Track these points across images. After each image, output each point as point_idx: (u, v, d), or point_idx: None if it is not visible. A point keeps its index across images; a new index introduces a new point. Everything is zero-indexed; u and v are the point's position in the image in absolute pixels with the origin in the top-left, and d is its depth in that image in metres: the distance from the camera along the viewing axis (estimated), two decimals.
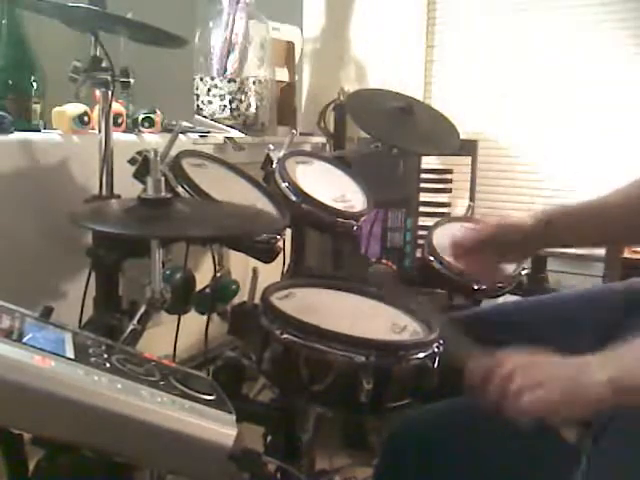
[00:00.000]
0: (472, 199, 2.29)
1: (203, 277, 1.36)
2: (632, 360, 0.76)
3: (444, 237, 1.58)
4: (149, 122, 1.64)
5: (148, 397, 0.67)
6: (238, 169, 1.45)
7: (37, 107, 1.39)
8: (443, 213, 2.27)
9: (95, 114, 1.43)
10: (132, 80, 1.34)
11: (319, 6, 2.71)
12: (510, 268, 1.54)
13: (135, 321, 1.04)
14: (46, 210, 1.33)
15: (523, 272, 1.55)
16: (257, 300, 1.11)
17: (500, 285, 1.49)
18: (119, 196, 1.29)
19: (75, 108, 1.43)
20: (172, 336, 1.40)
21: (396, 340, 1.01)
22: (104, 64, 1.22)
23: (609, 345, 0.90)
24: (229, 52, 1.99)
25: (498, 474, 0.87)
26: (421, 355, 0.96)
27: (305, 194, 1.39)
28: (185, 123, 1.72)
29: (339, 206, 1.44)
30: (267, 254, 1.26)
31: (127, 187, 1.23)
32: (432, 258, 1.51)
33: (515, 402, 0.75)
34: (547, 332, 1.06)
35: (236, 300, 1.39)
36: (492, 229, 1.08)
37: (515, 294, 1.53)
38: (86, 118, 1.44)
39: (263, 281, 1.16)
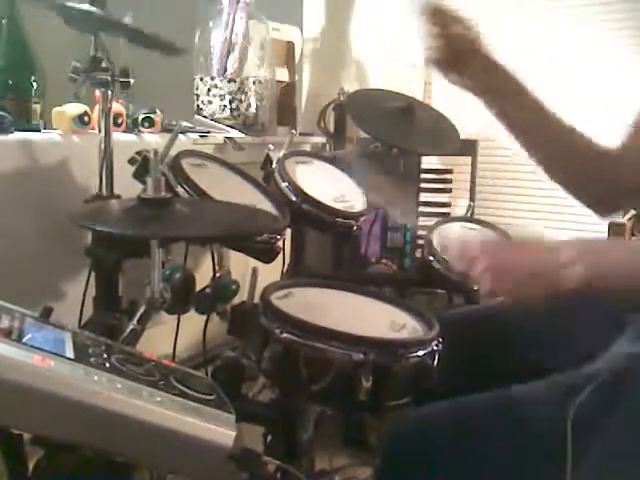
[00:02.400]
0: (472, 199, 2.29)
1: (203, 277, 1.36)
2: (607, 264, 0.82)
3: (444, 237, 1.59)
4: (149, 122, 1.64)
5: (148, 397, 0.67)
6: (238, 169, 1.45)
7: (37, 107, 1.39)
8: (443, 213, 2.27)
9: (95, 114, 1.43)
10: (132, 80, 1.34)
11: (319, 6, 2.71)
12: None
13: (135, 321, 1.04)
14: (46, 210, 1.33)
15: None
16: (257, 300, 1.11)
17: None
18: (119, 196, 1.29)
19: (75, 108, 1.43)
20: (172, 336, 1.41)
21: (395, 338, 1.01)
22: (104, 64, 1.22)
23: (609, 344, 0.90)
24: (229, 52, 1.99)
25: (499, 474, 0.87)
26: (420, 353, 0.96)
27: (305, 194, 1.39)
28: (185, 123, 1.72)
29: (339, 206, 1.44)
30: (267, 254, 1.27)
31: (127, 187, 1.24)
32: (432, 258, 1.52)
33: (482, 284, 0.82)
34: (545, 329, 1.06)
35: (236, 300, 1.39)
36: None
37: None
38: (86, 118, 1.44)
39: (263, 281, 1.16)
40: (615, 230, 2.00)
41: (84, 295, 1.26)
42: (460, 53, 1.10)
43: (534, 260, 0.84)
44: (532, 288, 0.82)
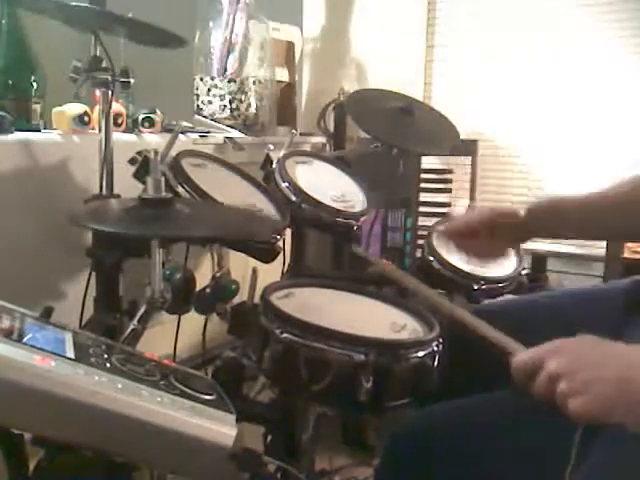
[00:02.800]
0: (472, 199, 2.29)
1: (203, 277, 1.36)
2: None
3: (444, 237, 1.59)
4: (149, 122, 1.64)
5: (148, 397, 0.67)
6: (238, 169, 1.45)
7: (37, 107, 1.39)
8: (443, 213, 2.27)
9: (95, 114, 1.43)
10: (132, 80, 1.34)
11: (319, 6, 2.71)
12: (510, 268, 1.54)
13: (135, 321, 1.04)
14: (46, 210, 1.33)
15: (523, 272, 1.55)
16: (257, 300, 1.11)
17: (501, 285, 1.49)
18: (119, 196, 1.29)
19: (75, 108, 1.43)
20: (172, 336, 1.41)
21: (395, 339, 1.01)
22: (104, 64, 1.22)
23: None
24: (229, 52, 1.99)
25: (499, 475, 0.87)
26: (420, 354, 0.96)
27: (305, 194, 1.39)
28: (185, 123, 1.73)
29: (339, 206, 1.44)
30: (267, 254, 1.26)
31: (127, 187, 1.24)
32: (432, 258, 1.51)
33: (563, 405, 0.70)
34: (546, 331, 1.06)
35: (236, 300, 1.39)
36: (489, 213, 1.09)
37: (515, 294, 1.53)
38: (86, 118, 1.44)
39: (263, 281, 1.16)
40: None
41: (84, 295, 1.26)
42: (501, 230, 1.08)
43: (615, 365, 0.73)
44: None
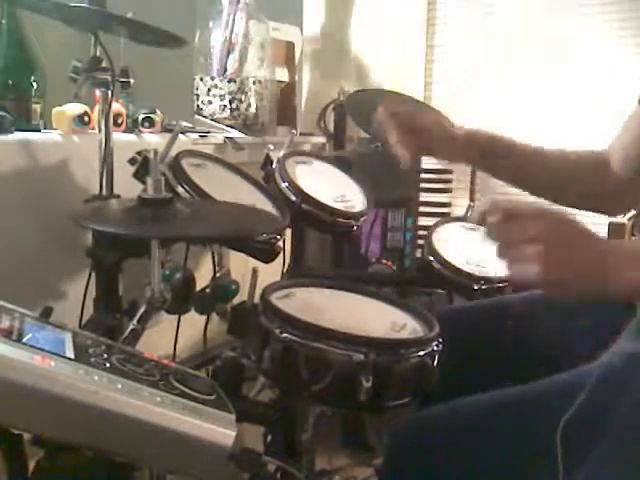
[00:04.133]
0: (472, 199, 2.29)
1: (203, 277, 1.36)
2: None
3: (444, 237, 1.59)
4: (149, 122, 1.64)
5: (148, 397, 0.67)
6: (238, 169, 1.45)
7: (37, 107, 1.39)
8: (443, 213, 2.27)
9: (95, 114, 1.43)
10: (132, 80, 1.34)
11: (319, 6, 2.71)
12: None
13: (135, 321, 1.04)
14: (46, 210, 1.33)
15: None
16: (257, 300, 1.11)
17: (501, 285, 1.49)
18: (119, 196, 1.29)
19: (75, 108, 1.43)
20: (172, 336, 1.41)
21: (395, 338, 1.01)
22: (104, 64, 1.22)
23: (610, 344, 0.90)
24: (229, 52, 1.99)
25: (499, 476, 0.87)
26: (421, 353, 0.96)
27: (305, 194, 1.39)
28: (185, 123, 1.73)
29: (339, 206, 1.44)
30: (267, 254, 1.26)
31: (127, 187, 1.24)
32: (432, 258, 1.51)
33: (529, 263, 0.73)
34: (545, 329, 1.06)
35: (236, 300, 1.39)
36: (430, 122, 1.11)
37: (515, 294, 1.53)
38: (86, 118, 1.44)
39: (263, 281, 1.16)
40: (615, 230, 1.99)
41: (84, 295, 1.26)
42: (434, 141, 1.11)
43: (586, 251, 0.77)
44: (580, 282, 0.75)
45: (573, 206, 1.14)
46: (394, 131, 1.10)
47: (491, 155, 1.14)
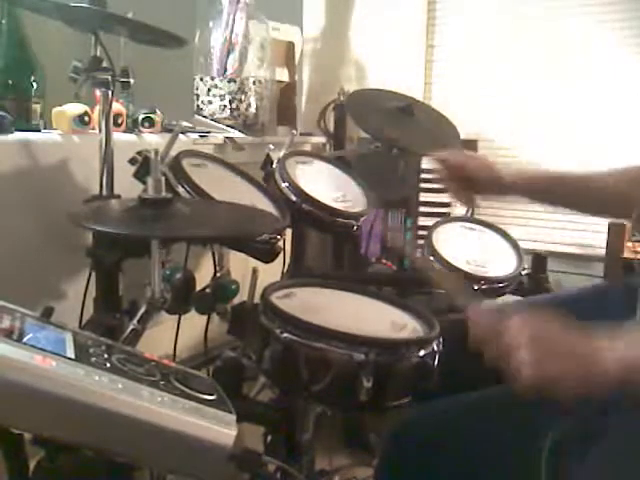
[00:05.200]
0: None
1: (203, 277, 1.36)
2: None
3: (444, 237, 1.59)
4: (149, 122, 1.64)
5: (148, 397, 0.67)
6: (238, 169, 1.45)
7: (37, 107, 1.39)
8: (443, 213, 2.27)
9: (95, 114, 1.43)
10: (132, 80, 1.34)
11: (319, 6, 2.71)
12: (510, 268, 1.54)
13: (135, 321, 1.04)
14: (46, 210, 1.33)
15: (523, 272, 1.55)
16: (257, 300, 1.11)
17: (501, 285, 1.50)
18: (119, 196, 1.29)
19: (75, 108, 1.43)
20: (172, 336, 1.41)
21: (396, 338, 1.01)
22: (104, 64, 1.22)
23: None
24: (229, 52, 1.99)
25: (498, 474, 0.87)
26: (421, 353, 0.96)
27: (305, 194, 1.39)
28: (185, 123, 1.73)
29: (339, 206, 1.44)
30: (267, 254, 1.27)
31: (127, 187, 1.24)
32: (432, 258, 1.51)
33: (517, 372, 0.74)
34: None
35: (236, 300, 1.39)
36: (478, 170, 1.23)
37: (515, 294, 1.53)
38: (86, 118, 1.44)
39: (263, 281, 1.16)
40: (615, 230, 2.00)
41: (84, 295, 1.26)
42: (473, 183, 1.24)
43: (572, 342, 0.77)
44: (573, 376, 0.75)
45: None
46: (450, 183, 1.27)
47: (534, 192, 1.25)
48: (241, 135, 1.93)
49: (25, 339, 0.67)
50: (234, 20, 1.98)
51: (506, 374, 0.76)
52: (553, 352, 0.75)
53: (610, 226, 2.00)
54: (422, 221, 2.25)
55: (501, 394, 0.90)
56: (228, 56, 1.99)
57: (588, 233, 2.31)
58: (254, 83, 2.00)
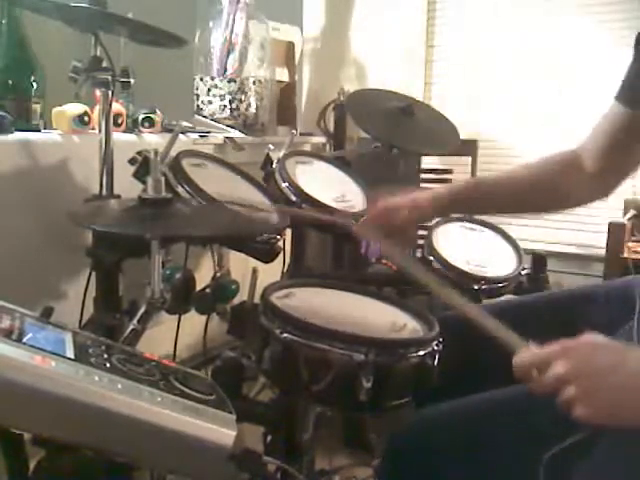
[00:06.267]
0: None
1: (203, 277, 1.36)
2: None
3: (444, 237, 1.59)
4: (149, 122, 1.64)
5: (148, 397, 0.67)
6: (238, 169, 1.45)
7: (37, 107, 1.39)
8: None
9: (95, 114, 1.43)
10: (132, 80, 1.34)
11: (319, 6, 2.71)
12: (510, 268, 1.54)
13: (135, 321, 1.04)
14: (46, 210, 1.33)
15: (523, 272, 1.55)
16: (257, 300, 1.11)
17: (501, 285, 1.50)
18: (119, 196, 1.29)
19: (75, 108, 1.43)
20: (172, 336, 1.41)
21: (396, 338, 1.01)
22: (104, 64, 1.22)
23: None
24: (229, 52, 1.99)
25: (500, 476, 0.87)
26: (421, 353, 0.96)
27: (305, 194, 1.39)
28: (185, 123, 1.73)
29: (339, 206, 1.44)
30: (267, 254, 1.27)
31: (127, 187, 1.24)
32: (432, 258, 1.51)
33: (570, 409, 0.72)
34: (545, 330, 1.06)
35: (236, 300, 1.39)
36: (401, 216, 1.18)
37: (515, 294, 1.53)
38: (86, 118, 1.44)
39: (263, 281, 1.16)
40: (615, 230, 2.00)
41: (84, 295, 1.26)
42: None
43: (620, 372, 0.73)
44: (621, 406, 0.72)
45: (548, 211, 1.19)
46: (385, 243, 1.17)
47: (467, 207, 1.29)
48: (241, 135, 1.93)
49: (25, 339, 0.67)
50: (234, 20, 1.98)
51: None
52: (602, 385, 0.72)
53: (610, 226, 2.00)
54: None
55: (504, 398, 0.90)
56: (228, 56, 1.99)
57: (588, 233, 2.31)
58: (254, 83, 2.00)
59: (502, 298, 1.51)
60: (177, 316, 1.36)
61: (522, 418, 0.86)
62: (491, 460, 0.87)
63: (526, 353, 0.77)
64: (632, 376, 0.73)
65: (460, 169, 2.36)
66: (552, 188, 1.16)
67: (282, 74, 2.26)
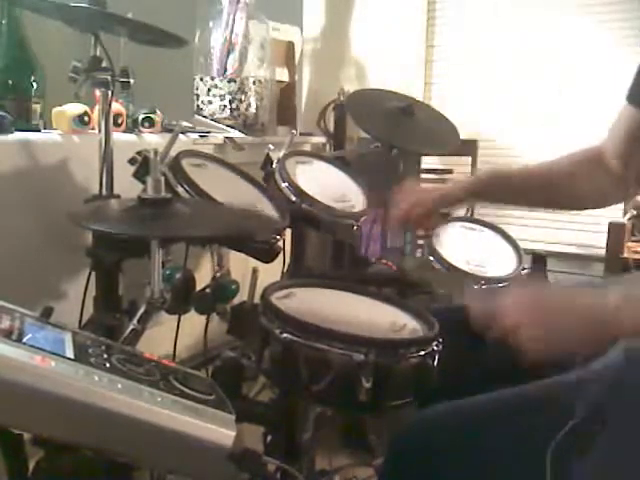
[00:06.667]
0: None
1: (203, 277, 1.36)
2: None
3: (444, 237, 1.59)
4: (149, 122, 1.64)
5: (148, 397, 0.67)
6: (238, 169, 1.45)
7: (37, 107, 1.39)
8: (443, 213, 2.27)
9: (95, 114, 1.43)
10: (132, 80, 1.34)
11: (319, 6, 2.71)
12: (510, 268, 1.54)
13: (135, 321, 1.04)
14: (46, 210, 1.33)
15: (523, 272, 1.55)
16: (257, 300, 1.11)
17: (501, 285, 1.49)
18: (119, 196, 1.29)
19: (75, 108, 1.43)
20: (172, 336, 1.41)
21: (395, 338, 1.01)
22: (104, 64, 1.22)
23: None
24: (229, 52, 1.99)
25: (502, 475, 0.87)
26: (421, 353, 0.96)
27: (305, 194, 1.39)
28: (185, 123, 1.73)
29: (339, 206, 1.44)
30: (267, 254, 1.26)
31: (127, 187, 1.24)
32: (432, 258, 1.51)
33: (526, 348, 0.76)
34: None
35: (236, 300, 1.39)
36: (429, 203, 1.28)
37: None
38: (86, 118, 1.44)
39: (263, 281, 1.16)
40: (615, 230, 2.00)
41: (84, 295, 1.26)
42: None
43: (580, 301, 0.78)
44: (577, 332, 0.77)
45: (573, 208, 1.18)
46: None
47: (489, 197, 1.30)
48: (241, 135, 1.93)
49: (24, 339, 0.67)
50: (234, 20, 1.98)
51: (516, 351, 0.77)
52: (554, 315, 0.77)
53: (610, 226, 2.00)
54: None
55: (505, 398, 0.90)
56: (228, 56, 1.99)
57: (588, 233, 2.31)
58: (254, 83, 2.00)
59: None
60: (177, 316, 1.36)
61: (523, 419, 0.86)
62: (493, 461, 0.87)
63: (479, 305, 0.83)
64: (580, 298, 0.79)
65: (460, 169, 2.37)
66: (588, 188, 1.17)
67: (282, 74, 2.26)
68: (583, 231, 2.32)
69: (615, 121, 1.16)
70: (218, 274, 1.40)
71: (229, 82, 1.97)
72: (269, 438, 1.16)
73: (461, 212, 2.06)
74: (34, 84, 1.37)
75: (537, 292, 0.81)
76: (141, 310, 1.04)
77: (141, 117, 1.63)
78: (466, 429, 0.91)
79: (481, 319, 0.81)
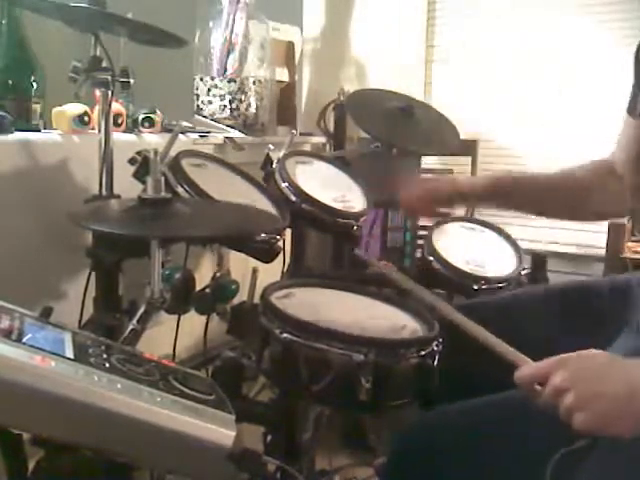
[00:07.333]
0: None
1: (203, 277, 1.36)
2: None
3: (444, 237, 1.59)
4: (149, 122, 1.64)
5: (148, 397, 0.67)
6: (238, 169, 1.45)
7: (37, 107, 1.39)
8: (444, 212, 2.27)
9: (95, 114, 1.43)
10: (132, 80, 1.34)
11: (319, 6, 2.71)
12: (510, 268, 1.54)
13: (135, 321, 1.04)
14: (46, 210, 1.33)
15: (523, 272, 1.55)
16: (257, 300, 1.11)
17: (501, 285, 1.50)
18: (119, 196, 1.29)
19: (75, 108, 1.43)
20: (172, 336, 1.41)
21: (395, 338, 1.01)
22: (104, 64, 1.22)
23: (611, 342, 0.90)
24: (229, 52, 1.99)
25: (505, 477, 0.87)
26: (421, 353, 0.96)
27: (305, 194, 1.39)
28: (185, 123, 1.72)
29: (339, 206, 1.44)
30: (267, 254, 1.27)
31: (127, 187, 1.24)
32: (432, 258, 1.51)
33: (568, 419, 0.73)
34: (547, 329, 1.06)
35: (236, 300, 1.39)
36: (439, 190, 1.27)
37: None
38: (86, 118, 1.44)
39: (263, 281, 1.17)
40: (615, 230, 2.00)
41: (84, 295, 1.26)
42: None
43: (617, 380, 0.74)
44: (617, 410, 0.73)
45: (589, 219, 1.20)
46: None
47: (498, 200, 1.26)
48: (241, 135, 1.92)
49: (24, 339, 0.67)
50: (234, 20, 1.98)
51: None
52: (599, 391, 0.73)
53: (610, 226, 2.00)
54: (422, 221, 2.25)
55: (507, 400, 0.90)
56: (228, 56, 1.99)
57: (588, 233, 2.31)
58: (254, 83, 2.00)
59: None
60: (177, 316, 1.36)
61: (526, 420, 0.86)
62: (495, 462, 0.87)
63: (526, 368, 0.79)
64: (627, 385, 0.74)
65: (460, 169, 2.36)
66: (609, 199, 1.17)
67: (282, 74, 2.26)
68: (583, 231, 2.32)
69: (619, 135, 1.19)
70: (218, 274, 1.40)
71: (229, 82, 1.97)
72: (269, 438, 1.16)
73: (461, 212, 2.06)
74: (34, 84, 1.37)
75: (581, 360, 0.77)
76: (141, 310, 1.04)
77: (141, 117, 1.63)
78: (468, 430, 0.91)
79: (527, 384, 0.78)
